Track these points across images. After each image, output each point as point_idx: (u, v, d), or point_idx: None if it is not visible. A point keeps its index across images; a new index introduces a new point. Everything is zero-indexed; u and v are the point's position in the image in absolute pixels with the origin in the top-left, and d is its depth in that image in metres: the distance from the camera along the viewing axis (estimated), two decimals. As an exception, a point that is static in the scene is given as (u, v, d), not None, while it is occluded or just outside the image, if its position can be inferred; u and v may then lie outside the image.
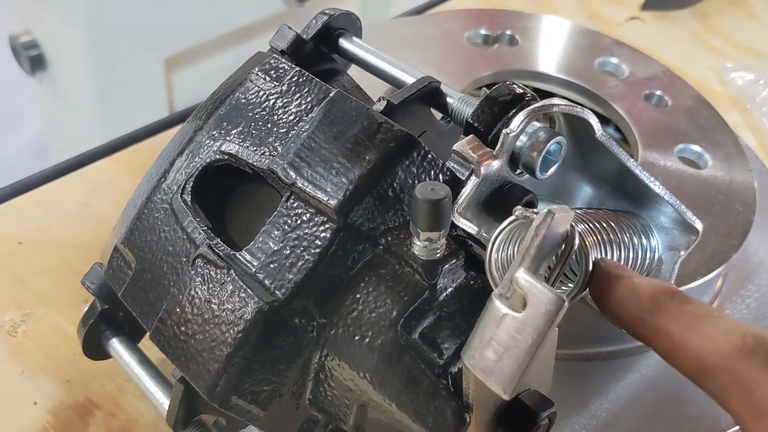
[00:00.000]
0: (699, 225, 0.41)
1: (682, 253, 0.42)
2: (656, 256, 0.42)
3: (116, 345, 0.46)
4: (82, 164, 0.64)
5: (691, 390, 0.51)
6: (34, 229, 0.59)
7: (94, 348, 0.46)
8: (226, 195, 0.41)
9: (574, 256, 0.35)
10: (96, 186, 0.62)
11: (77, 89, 1.15)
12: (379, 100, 0.41)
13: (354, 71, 0.46)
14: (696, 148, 0.62)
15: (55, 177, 0.62)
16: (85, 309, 0.46)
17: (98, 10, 1.03)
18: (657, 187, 0.41)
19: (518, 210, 0.32)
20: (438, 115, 0.44)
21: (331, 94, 0.39)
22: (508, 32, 0.70)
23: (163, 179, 0.41)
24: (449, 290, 0.36)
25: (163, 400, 0.43)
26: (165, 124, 0.70)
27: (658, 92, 0.66)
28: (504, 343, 0.29)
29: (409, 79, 0.43)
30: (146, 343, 0.46)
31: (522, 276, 0.28)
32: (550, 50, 0.69)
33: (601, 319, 0.37)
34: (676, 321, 0.33)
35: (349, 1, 1.27)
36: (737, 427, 0.49)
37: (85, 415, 0.49)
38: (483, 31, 0.70)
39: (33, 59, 1.16)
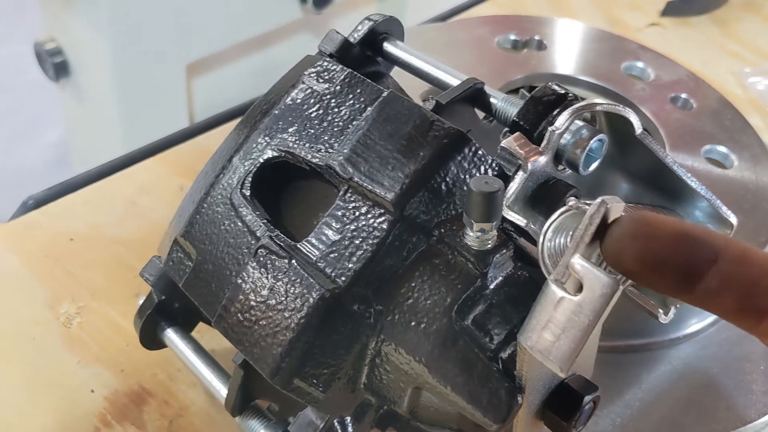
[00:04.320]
0: (734, 219, 0.43)
1: (716, 246, 0.44)
2: (692, 250, 0.43)
3: (171, 335, 0.48)
4: (127, 164, 0.66)
5: (722, 381, 0.53)
6: (84, 226, 0.61)
7: (151, 338, 0.48)
8: (282, 190, 0.43)
9: None
10: (143, 185, 0.64)
11: (100, 96, 1.17)
12: (427, 99, 0.43)
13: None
14: (722, 149, 0.63)
15: (102, 177, 0.65)
16: (141, 301, 0.48)
17: (122, 18, 1.05)
18: (693, 182, 0.43)
19: (571, 201, 0.34)
20: (479, 114, 0.46)
21: (384, 94, 0.41)
22: (537, 37, 0.72)
23: (221, 175, 0.43)
24: (499, 279, 0.37)
25: (218, 386, 0.45)
26: (200, 128, 0.73)
27: (684, 95, 0.68)
28: (561, 325, 0.31)
29: (453, 81, 0.45)
30: (195, 334, 0.48)
31: (578, 262, 0.30)
32: (577, 54, 0.71)
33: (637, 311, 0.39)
34: None
35: (365, 9, 1.29)
36: (767, 417, 0.51)
37: (140, 403, 0.51)
38: (512, 36, 0.72)
39: (57, 66, 1.17)
